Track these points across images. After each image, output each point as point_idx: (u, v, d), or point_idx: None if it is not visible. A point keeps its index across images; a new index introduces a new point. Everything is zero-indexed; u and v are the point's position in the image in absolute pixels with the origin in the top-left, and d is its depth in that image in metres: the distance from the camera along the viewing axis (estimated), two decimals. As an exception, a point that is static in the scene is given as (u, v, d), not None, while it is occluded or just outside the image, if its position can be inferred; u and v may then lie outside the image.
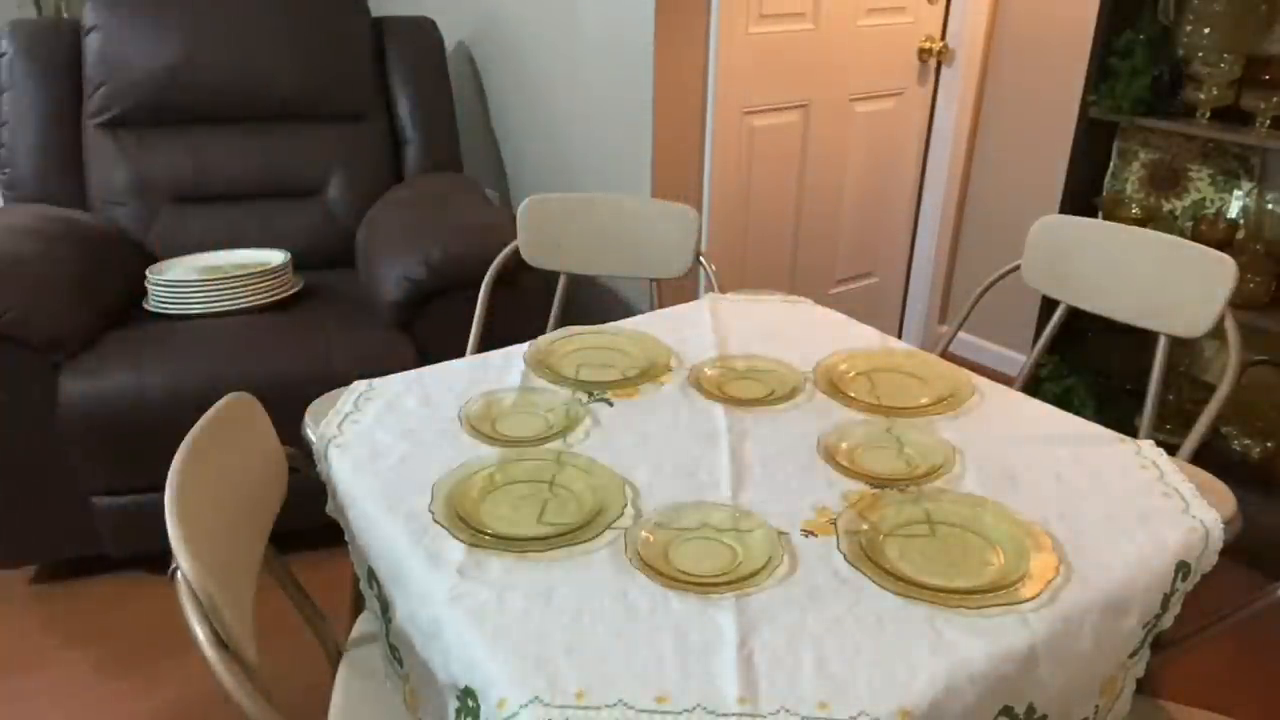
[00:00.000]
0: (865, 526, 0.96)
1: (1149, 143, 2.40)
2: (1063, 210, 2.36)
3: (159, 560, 2.09)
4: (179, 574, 0.79)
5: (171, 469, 0.85)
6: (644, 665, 0.79)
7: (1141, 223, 2.31)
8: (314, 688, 1.29)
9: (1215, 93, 2.13)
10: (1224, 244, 2.14)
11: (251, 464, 1.03)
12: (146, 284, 2.12)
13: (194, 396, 1.87)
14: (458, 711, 0.83)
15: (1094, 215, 2.40)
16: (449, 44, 3.02)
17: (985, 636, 0.82)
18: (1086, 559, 0.92)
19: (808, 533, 0.96)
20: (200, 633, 0.80)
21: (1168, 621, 0.96)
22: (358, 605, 1.25)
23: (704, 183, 2.49)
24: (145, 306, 2.12)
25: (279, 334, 2.00)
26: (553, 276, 1.81)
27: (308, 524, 1.54)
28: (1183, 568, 0.95)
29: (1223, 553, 0.97)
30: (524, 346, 1.38)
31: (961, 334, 3.14)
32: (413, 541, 0.94)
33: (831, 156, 2.73)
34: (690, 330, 1.45)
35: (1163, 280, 1.49)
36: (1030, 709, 0.83)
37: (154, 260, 2.29)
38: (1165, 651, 1.02)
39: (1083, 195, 2.43)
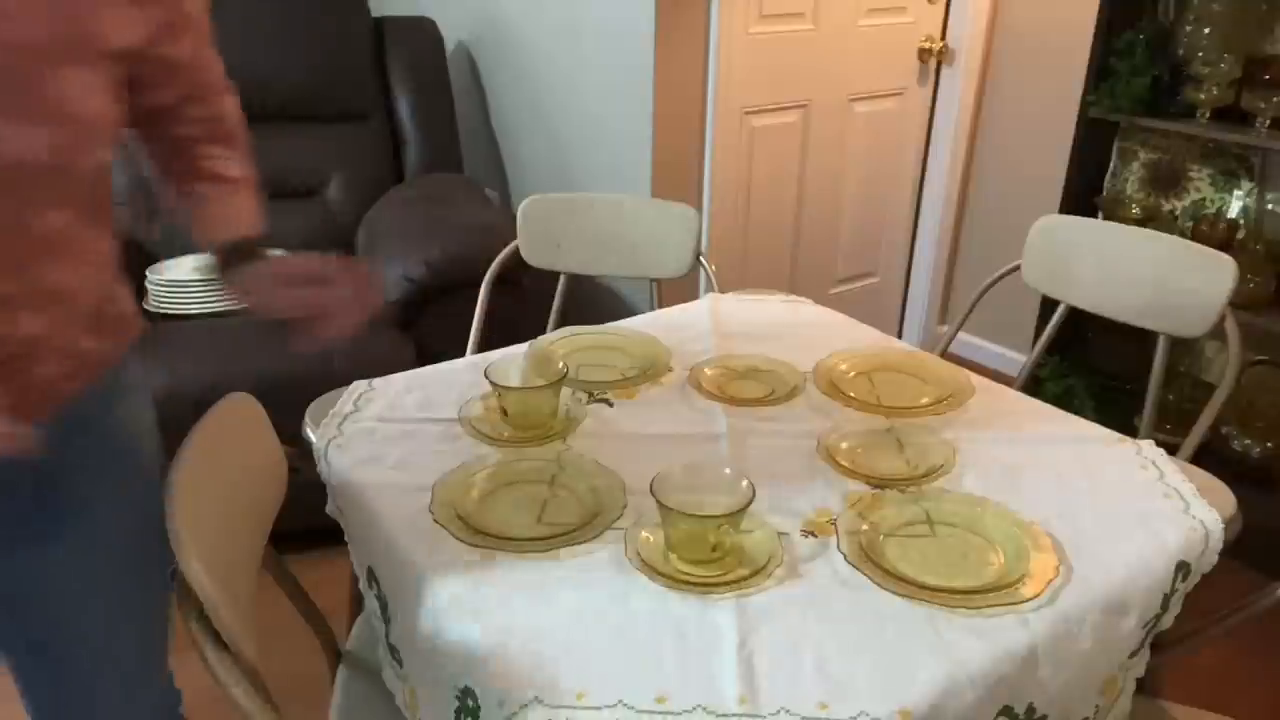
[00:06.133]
0: (865, 526, 0.96)
1: (1149, 143, 2.40)
2: (1063, 210, 2.36)
3: (159, 560, 2.09)
4: (179, 574, 0.79)
5: (171, 469, 0.85)
6: (644, 665, 0.79)
7: (1141, 223, 2.31)
8: (314, 687, 1.29)
9: (1215, 93, 2.13)
10: (1224, 244, 2.14)
11: (251, 464, 1.03)
12: (146, 284, 2.12)
13: (194, 396, 1.87)
14: (458, 711, 0.82)
15: (1094, 215, 2.40)
16: (449, 44, 3.02)
17: (985, 636, 0.82)
18: (1086, 559, 0.92)
19: (808, 533, 0.96)
20: (200, 633, 0.80)
21: (1168, 621, 0.96)
22: (358, 605, 1.25)
23: (704, 183, 2.49)
24: (145, 306, 2.12)
25: (279, 334, 1.99)
26: (553, 276, 1.81)
27: (308, 524, 1.54)
28: (1183, 568, 0.95)
29: (1223, 553, 0.97)
30: (524, 346, 1.38)
31: (961, 334, 3.14)
32: (413, 542, 0.94)
33: (831, 156, 2.72)
34: (690, 330, 1.45)
35: (1163, 280, 1.49)
36: (1030, 709, 0.83)
37: (154, 260, 2.29)
38: (1165, 651, 1.02)
39: (1083, 195, 2.43)
